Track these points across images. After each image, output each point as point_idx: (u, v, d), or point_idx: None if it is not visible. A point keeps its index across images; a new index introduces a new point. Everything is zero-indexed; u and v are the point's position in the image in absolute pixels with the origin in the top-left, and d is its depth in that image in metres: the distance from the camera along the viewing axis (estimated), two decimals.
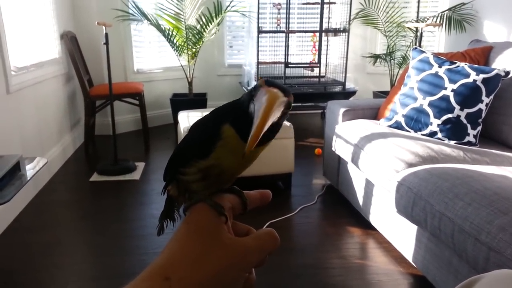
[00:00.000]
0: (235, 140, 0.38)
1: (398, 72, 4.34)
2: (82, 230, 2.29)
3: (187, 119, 2.84)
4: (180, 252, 0.36)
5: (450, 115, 2.07)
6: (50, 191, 2.72)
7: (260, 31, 4.07)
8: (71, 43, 3.37)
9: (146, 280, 0.34)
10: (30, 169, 1.84)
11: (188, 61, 4.06)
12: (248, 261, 0.37)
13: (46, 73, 2.99)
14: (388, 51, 4.42)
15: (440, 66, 2.18)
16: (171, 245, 0.37)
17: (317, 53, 4.40)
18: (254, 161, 0.42)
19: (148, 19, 3.85)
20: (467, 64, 2.15)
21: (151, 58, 4.34)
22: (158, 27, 3.91)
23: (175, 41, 3.98)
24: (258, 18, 4.00)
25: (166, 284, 0.33)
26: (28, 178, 1.73)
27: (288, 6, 4.09)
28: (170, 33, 3.94)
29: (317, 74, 4.42)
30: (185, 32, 3.97)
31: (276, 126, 0.38)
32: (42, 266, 1.89)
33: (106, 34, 2.82)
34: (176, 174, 0.43)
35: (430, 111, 2.12)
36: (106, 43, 2.84)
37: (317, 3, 4.22)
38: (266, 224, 2.20)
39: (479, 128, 2.07)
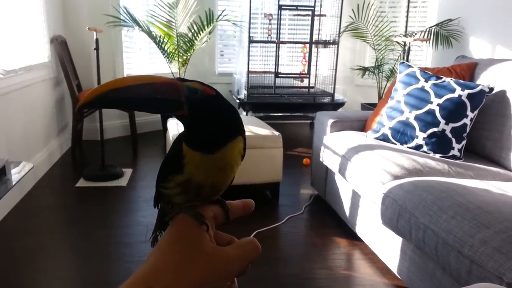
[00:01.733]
0: (193, 154, 0.39)
1: (385, 85, 4.41)
2: (67, 236, 2.27)
3: (176, 126, 2.84)
4: (162, 261, 0.36)
5: (435, 129, 2.11)
6: (35, 196, 2.69)
7: (251, 41, 4.10)
8: (61, 48, 3.35)
9: None
10: (15, 174, 1.82)
11: (179, 69, 4.06)
12: (230, 270, 0.38)
13: (35, 77, 2.96)
14: (376, 64, 4.49)
15: (426, 81, 2.23)
16: (154, 254, 0.37)
17: (307, 64, 4.44)
18: (232, 170, 0.41)
19: (140, 26, 3.86)
20: (453, 79, 2.20)
21: (142, 64, 4.33)
22: (149, 33, 3.92)
23: (166, 48, 3.99)
24: (249, 28, 4.04)
25: None
26: (14, 183, 1.71)
27: (279, 17, 4.14)
28: (161, 40, 3.95)
29: (307, 85, 4.47)
30: (176, 39, 3.98)
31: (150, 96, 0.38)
32: (25, 272, 1.86)
33: (97, 40, 2.82)
34: (160, 188, 0.44)
35: (416, 124, 2.16)
36: (97, 49, 2.84)
37: (308, 15, 4.28)
38: (253, 234, 2.21)
39: (464, 142, 2.11)
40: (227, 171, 0.41)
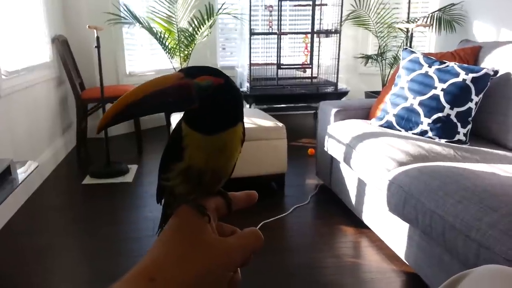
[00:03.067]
0: (194, 135, 0.39)
1: (389, 72, 4.37)
2: (74, 234, 2.28)
3: None
4: (164, 253, 0.36)
5: (440, 114, 2.09)
6: (41, 195, 2.70)
7: (252, 33, 4.08)
8: (63, 47, 3.36)
9: (131, 281, 0.34)
10: (21, 173, 1.83)
11: (181, 64, 4.06)
12: (232, 260, 0.37)
13: (37, 77, 2.97)
14: (379, 52, 4.45)
15: (430, 66, 2.20)
16: (156, 246, 0.37)
17: (309, 54, 4.42)
18: (232, 154, 0.41)
19: (140, 22, 3.85)
20: (457, 63, 2.17)
21: (144, 60, 4.33)
22: (150, 30, 3.91)
23: (167, 43, 3.98)
24: (250, 20, 4.02)
25: (151, 285, 0.33)
26: (19, 182, 1.72)
27: (279, 8, 4.11)
28: (162, 35, 3.94)
29: (310, 75, 4.45)
30: (177, 34, 3.97)
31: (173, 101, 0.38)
32: (34, 271, 1.88)
33: (98, 38, 2.82)
34: (160, 180, 0.44)
35: (420, 110, 2.14)
36: (98, 47, 2.83)
37: (309, 5, 4.24)
38: (260, 225, 2.21)
39: (469, 126, 2.09)
40: (227, 155, 0.41)
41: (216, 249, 0.37)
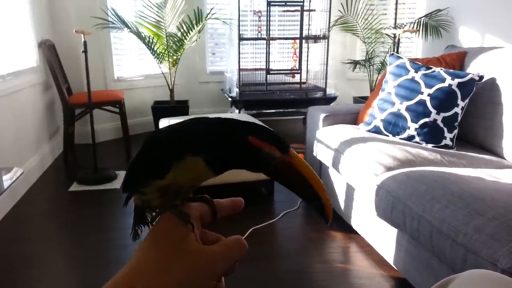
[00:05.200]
0: (204, 170, 0.38)
1: (377, 78, 4.41)
2: (61, 241, 2.25)
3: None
4: (145, 261, 0.36)
5: (427, 119, 2.11)
6: (28, 202, 2.66)
7: (241, 38, 4.09)
8: (50, 51, 3.32)
9: None
10: (6, 180, 1.80)
11: (169, 69, 4.04)
12: (215, 268, 0.37)
13: (24, 82, 2.94)
14: (367, 57, 4.49)
15: (416, 71, 2.23)
16: (137, 254, 0.37)
17: (298, 59, 4.44)
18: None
19: (128, 27, 3.83)
20: (443, 69, 2.20)
21: (132, 65, 4.30)
22: (138, 34, 3.89)
23: (155, 48, 3.97)
24: (239, 26, 4.03)
25: None
26: (4, 189, 1.69)
27: (268, 13, 4.13)
28: (151, 40, 3.93)
29: (298, 81, 4.46)
30: (165, 39, 3.96)
31: None
32: (20, 279, 1.84)
33: (85, 42, 2.80)
34: (136, 192, 0.43)
35: (407, 115, 2.16)
36: (85, 51, 2.81)
37: (297, 11, 4.27)
38: (249, 231, 2.20)
39: (456, 131, 2.11)
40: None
41: (198, 257, 0.36)
